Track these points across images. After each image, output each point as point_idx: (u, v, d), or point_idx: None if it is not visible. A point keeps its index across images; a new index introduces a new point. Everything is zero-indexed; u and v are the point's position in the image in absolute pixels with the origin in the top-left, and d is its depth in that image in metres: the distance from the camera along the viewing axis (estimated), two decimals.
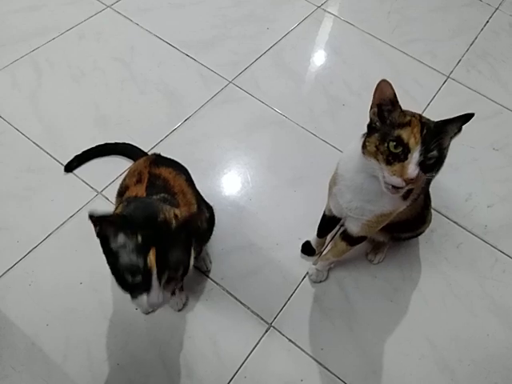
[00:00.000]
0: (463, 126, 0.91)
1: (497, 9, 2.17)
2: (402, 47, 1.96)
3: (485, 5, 2.19)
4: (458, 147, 1.64)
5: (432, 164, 0.87)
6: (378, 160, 0.89)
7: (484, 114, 1.78)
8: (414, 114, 0.90)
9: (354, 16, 2.05)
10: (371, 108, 0.93)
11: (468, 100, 1.82)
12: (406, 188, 0.88)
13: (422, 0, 2.16)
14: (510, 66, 1.95)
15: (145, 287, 0.75)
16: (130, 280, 0.75)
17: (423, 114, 0.91)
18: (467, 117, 0.88)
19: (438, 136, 0.86)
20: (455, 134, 0.91)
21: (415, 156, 0.84)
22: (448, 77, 1.88)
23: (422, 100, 1.78)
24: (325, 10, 2.07)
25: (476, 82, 1.88)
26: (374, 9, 2.11)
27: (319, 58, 1.93)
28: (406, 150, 0.85)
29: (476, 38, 2.04)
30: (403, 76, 1.85)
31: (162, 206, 0.85)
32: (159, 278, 0.75)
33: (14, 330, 1.18)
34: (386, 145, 0.87)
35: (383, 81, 0.89)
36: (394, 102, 0.90)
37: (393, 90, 0.89)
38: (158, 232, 0.78)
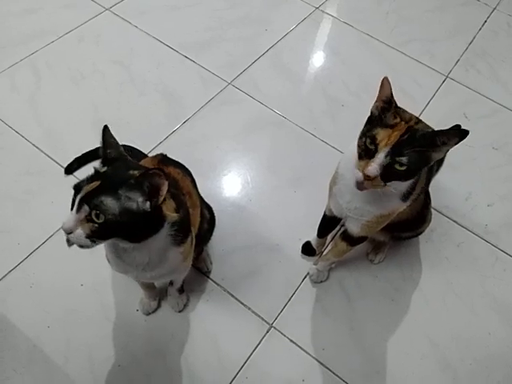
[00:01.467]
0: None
1: (494, 8, 2.18)
2: (400, 47, 1.96)
3: (482, 4, 2.19)
4: (457, 146, 1.64)
5: (401, 172, 0.87)
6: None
7: (483, 113, 1.78)
8: (410, 118, 0.89)
9: (352, 17, 2.06)
10: (375, 102, 0.94)
11: (467, 99, 1.82)
12: (365, 185, 0.90)
13: (419, 0, 2.17)
14: (508, 66, 1.95)
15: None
16: (73, 198, 0.77)
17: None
18: (462, 133, 0.84)
19: (420, 145, 0.85)
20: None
21: (380, 157, 0.86)
22: (447, 76, 1.89)
23: (421, 100, 1.78)
24: (323, 11, 2.08)
25: (475, 82, 1.88)
26: (372, 9, 2.11)
27: (318, 58, 1.94)
28: (375, 150, 0.87)
29: (474, 37, 2.04)
30: (402, 76, 1.85)
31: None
32: (78, 205, 0.75)
33: (16, 332, 1.18)
34: (363, 140, 0.89)
35: (385, 78, 0.90)
36: (390, 101, 0.91)
37: (390, 89, 0.90)
38: (116, 177, 0.79)
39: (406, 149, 0.85)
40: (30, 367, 1.15)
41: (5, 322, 1.19)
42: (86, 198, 0.75)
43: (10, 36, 1.80)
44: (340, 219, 1.23)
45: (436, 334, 1.28)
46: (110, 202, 0.75)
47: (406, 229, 1.27)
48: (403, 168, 0.86)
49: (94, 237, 0.76)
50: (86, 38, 1.83)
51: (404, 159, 0.85)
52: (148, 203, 0.77)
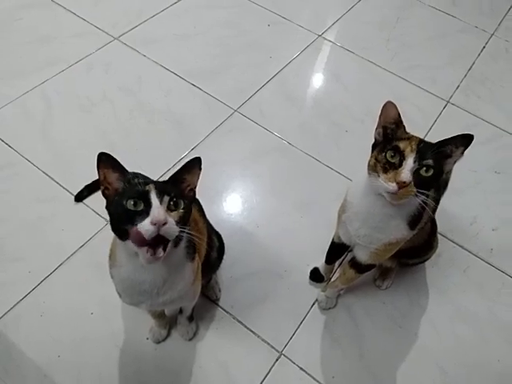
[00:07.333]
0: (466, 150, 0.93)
1: (492, 34, 2.24)
2: (401, 74, 2.01)
3: (480, 31, 2.25)
4: (460, 171, 1.64)
5: (428, 178, 0.89)
6: (376, 171, 0.93)
7: (484, 138, 1.81)
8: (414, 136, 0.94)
9: (354, 44, 2.11)
10: (376, 128, 0.97)
11: (468, 124, 1.85)
12: (401, 194, 0.89)
13: (419, 27, 2.23)
14: (508, 90, 1.99)
15: (146, 210, 0.78)
16: (133, 208, 0.78)
17: (425, 139, 0.95)
18: (467, 139, 0.88)
19: (435, 149, 0.89)
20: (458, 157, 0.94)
21: (409, 162, 0.88)
22: (448, 102, 1.93)
23: (424, 125, 1.82)
24: (325, 39, 2.13)
25: (475, 107, 1.92)
26: (373, 36, 2.17)
27: (321, 85, 1.98)
28: (402, 158, 0.89)
29: (474, 63, 2.09)
30: (404, 102, 1.89)
31: None
32: (160, 197, 0.79)
33: (26, 362, 1.18)
34: (383, 154, 0.92)
35: (389, 102, 0.94)
36: (398, 122, 0.94)
37: (397, 110, 0.94)
38: (154, 181, 0.89)
39: (427, 153, 0.88)
40: None
41: (16, 351, 1.20)
42: (159, 191, 0.80)
43: (22, 65, 1.85)
44: (348, 246, 1.24)
45: (445, 361, 1.28)
46: (177, 190, 0.84)
47: (413, 255, 1.28)
48: (429, 173, 0.89)
49: (181, 223, 0.80)
50: (96, 67, 1.88)
51: (431, 161, 0.88)
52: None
